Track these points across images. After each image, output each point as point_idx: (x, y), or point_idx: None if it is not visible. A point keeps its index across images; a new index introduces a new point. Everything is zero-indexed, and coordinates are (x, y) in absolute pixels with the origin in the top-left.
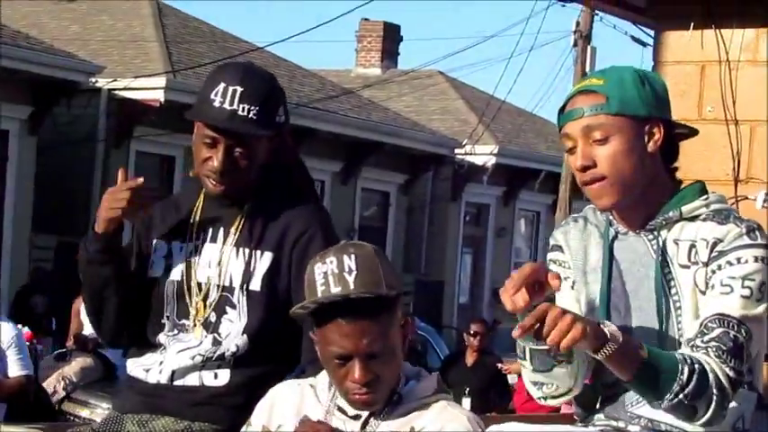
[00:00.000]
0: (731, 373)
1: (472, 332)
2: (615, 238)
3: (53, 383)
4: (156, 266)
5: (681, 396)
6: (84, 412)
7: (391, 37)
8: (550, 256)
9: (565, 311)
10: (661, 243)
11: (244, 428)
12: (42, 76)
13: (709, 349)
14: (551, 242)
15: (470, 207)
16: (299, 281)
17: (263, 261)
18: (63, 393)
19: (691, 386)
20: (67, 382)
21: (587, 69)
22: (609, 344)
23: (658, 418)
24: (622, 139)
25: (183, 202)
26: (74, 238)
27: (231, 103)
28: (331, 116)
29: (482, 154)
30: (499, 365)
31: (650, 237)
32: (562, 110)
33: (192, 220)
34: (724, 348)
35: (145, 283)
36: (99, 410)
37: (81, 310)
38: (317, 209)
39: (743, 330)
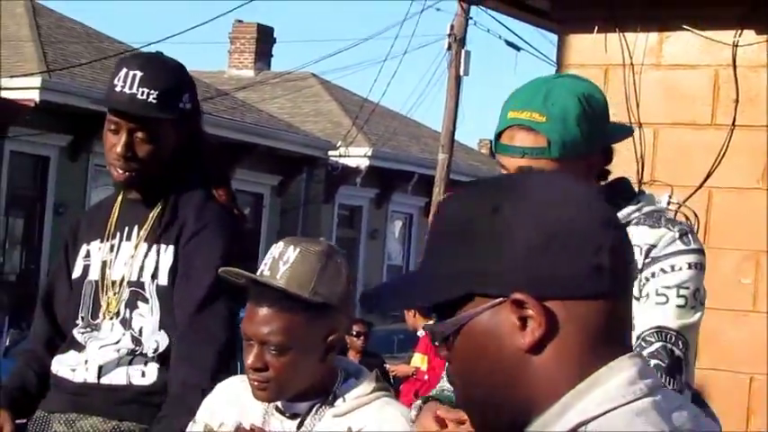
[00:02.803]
0: None
1: (355, 333)
2: None
3: None
4: (77, 268)
5: None
6: None
7: (264, 39)
8: None
9: None
10: None
11: (189, 426)
12: None
13: None
14: None
15: (343, 209)
16: (183, 275)
17: (168, 255)
18: None
19: None
20: None
21: (461, 72)
22: None
23: None
24: None
25: (104, 205)
26: None
27: (131, 87)
28: (205, 117)
29: (355, 156)
30: (386, 366)
31: None
32: (498, 135)
33: (110, 220)
34: (663, 366)
35: (69, 287)
36: None
37: None
38: (217, 206)
39: (680, 342)
